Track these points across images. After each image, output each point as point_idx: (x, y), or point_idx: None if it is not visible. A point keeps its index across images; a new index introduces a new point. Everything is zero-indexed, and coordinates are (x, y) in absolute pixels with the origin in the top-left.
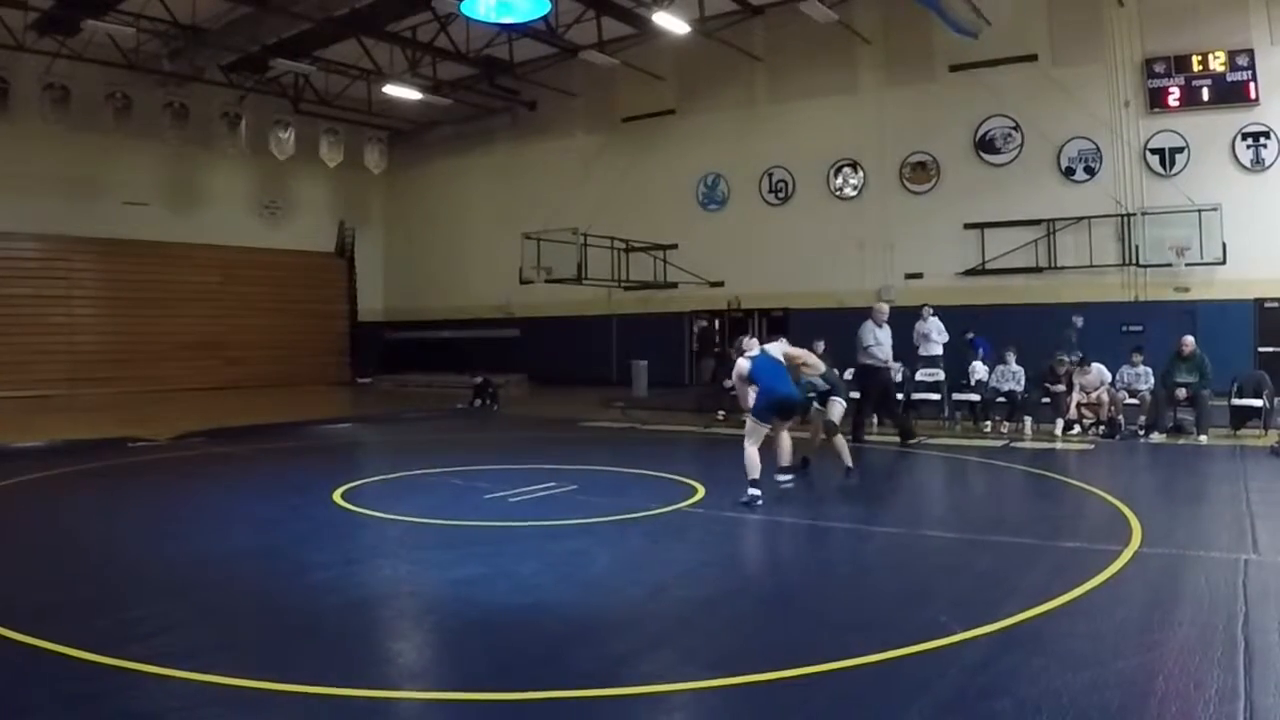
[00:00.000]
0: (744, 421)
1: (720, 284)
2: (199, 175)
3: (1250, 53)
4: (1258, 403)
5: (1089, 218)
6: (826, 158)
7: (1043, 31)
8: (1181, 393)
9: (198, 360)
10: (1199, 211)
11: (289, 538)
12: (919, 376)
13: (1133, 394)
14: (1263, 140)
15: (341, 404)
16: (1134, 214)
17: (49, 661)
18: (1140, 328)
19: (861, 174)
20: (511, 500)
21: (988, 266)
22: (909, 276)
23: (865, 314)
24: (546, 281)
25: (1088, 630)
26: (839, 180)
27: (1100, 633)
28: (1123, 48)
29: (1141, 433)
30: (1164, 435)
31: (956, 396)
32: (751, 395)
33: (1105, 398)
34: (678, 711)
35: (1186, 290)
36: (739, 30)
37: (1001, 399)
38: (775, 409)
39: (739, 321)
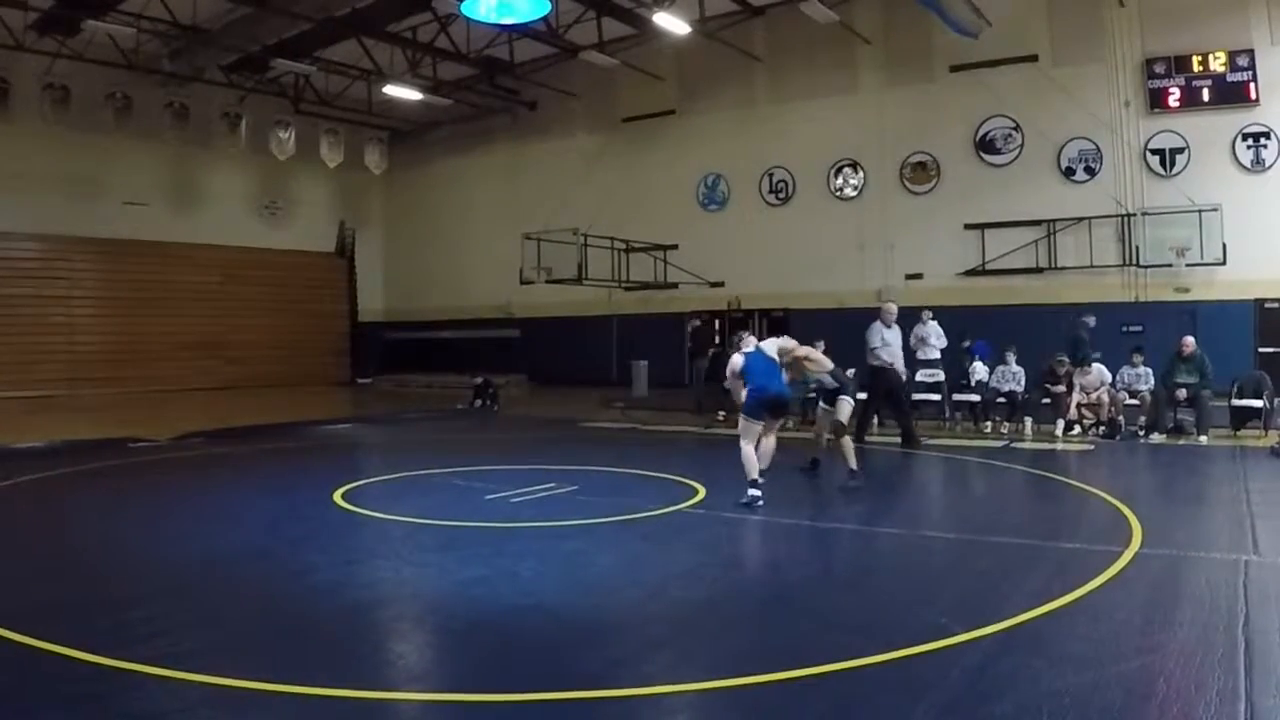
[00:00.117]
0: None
1: (720, 284)
2: (199, 175)
3: (1250, 53)
4: (1258, 403)
5: (1089, 218)
6: (827, 158)
7: (1043, 32)
8: (1182, 393)
9: (198, 360)
10: (1199, 212)
11: (289, 538)
12: (919, 377)
13: (1133, 394)
14: (1263, 141)
15: (342, 404)
16: (1134, 214)
17: (50, 662)
18: (1140, 328)
19: (862, 174)
20: (512, 501)
21: (988, 267)
22: (909, 277)
23: (865, 314)
24: (547, 282)
25: (1089, 631)
26: (839, 180)
27: (1101, 634)
28: (1123, 48)
29: (1142, 433)
30: (1164, 436)
31: (957, 397)
32: (744, 393)
33: (1105, 398)
34: (679, 713)
35: (1187, 291)
36: (739, 30)
37: (1001, 399)
38: (766, 406)
39: (739, 322)
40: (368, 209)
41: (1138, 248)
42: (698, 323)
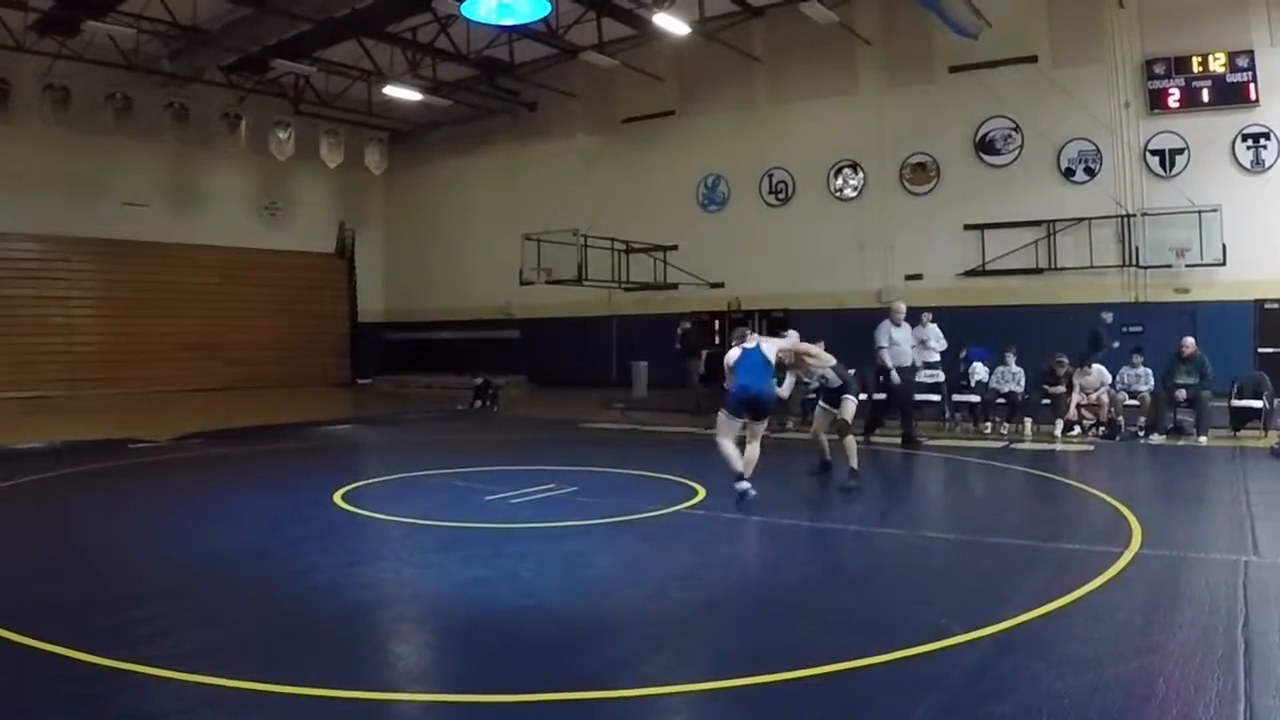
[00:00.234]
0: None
1: (720, 285)
2: (199, 176)
3: (1250, 54)
4: (1258, 404)
5: (1089, 219)
6: (827, 159)
7: (1043, 32)
8: (1181, 394)
9: (198, 361)
10: (1199, 212)
11: (289, 539)
12: (919, 378)
13: (1133, 395)
14: (1263, 141)
15: (342, 405)
16: (1134, 215)
17: (50, 663)
18: (1140, 329)
19: (861, 175)
20: (512, 502)
21: (988, 267)
22: (909, 278)
23: (865, 315)
24: (547, 283)
25: (1088, 632)
26: (839, 181)
27: (1101, 635)
28: (1123, 49)
29: (1141, 434)
30: (1164, 436)
31: (956, 398)
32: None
33: (1105, 399)
34: (679, 714)
35: (1186, 291)
36: (739, 31)
37: (1001, 400)
38: (746, 405)
39: (739, 322)
40: (368, 209)
41: (1137, 248)
42: (688, 325)
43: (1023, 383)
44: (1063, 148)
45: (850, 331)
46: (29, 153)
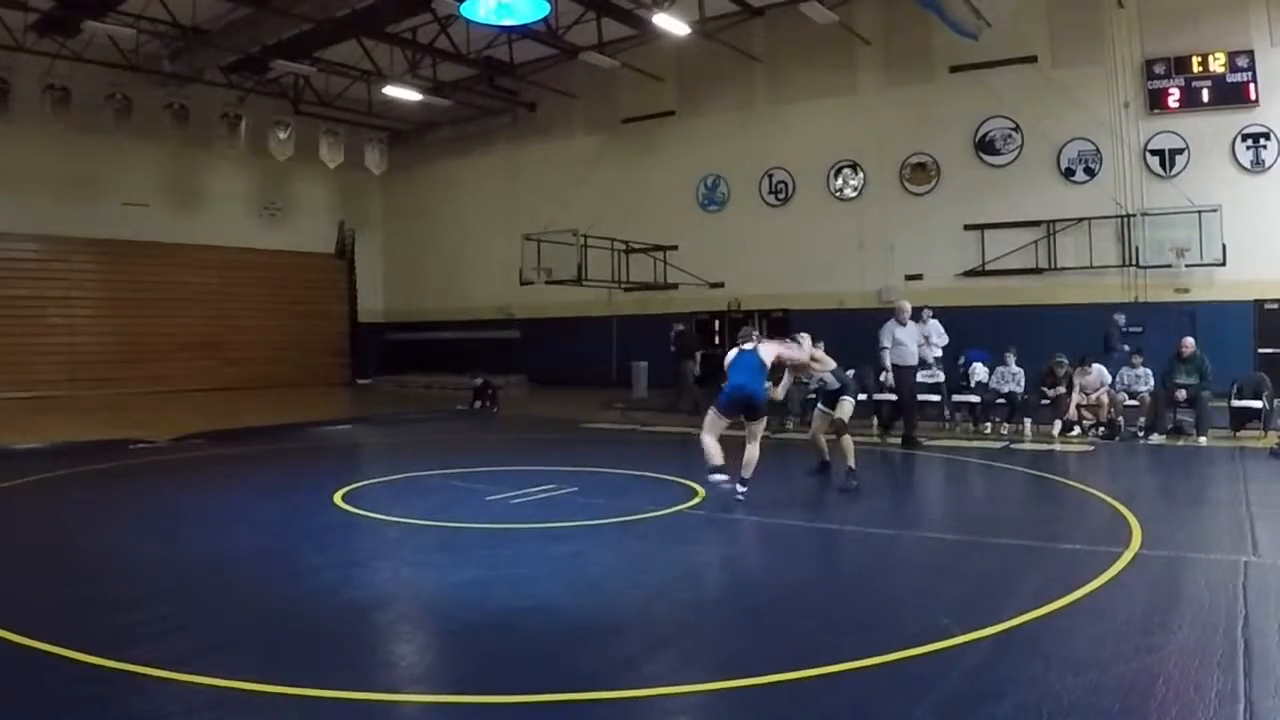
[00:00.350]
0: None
1: (720, 285)
2: (199, 176)
3: (1250, 54)
4: (1257, 404)
5: (1089, 219)
6: (826, 159)
7: (1043, 33)
8: (1181, 394)
9: (198, 361)
10: (1199, 213)
11: (290, 540)
12: (919, 378)
13: (1132, 395)
14: (1262, 141)
15: (342, 405)
16: (1134, 215)
17: (51, 664)
18: (1140, 329)
19: (861, 175)
20: (512, 502)
21: (988, 268)
22: (909, 278)
23: (864, 315)
24: (547, 283)
25: (1088, 633)
26: (839, 181)
27: (1100, 635)
28: (1122, 49)
29: (1141, 434)
30: (1164, 437)
31: (956, 398)
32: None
33: (1105, 399)
34: (679, 714)
35: (1186, 291)
36: (739, 31)
37: (1001, 400)
38: (736, 404)
39: (739, 323)
40: (367, 210)
41: (1137, 248)
42: (680, 327)
43: (1022, 383)
44: (1062, 148)
45: (850, 332)
46: (29, 153)
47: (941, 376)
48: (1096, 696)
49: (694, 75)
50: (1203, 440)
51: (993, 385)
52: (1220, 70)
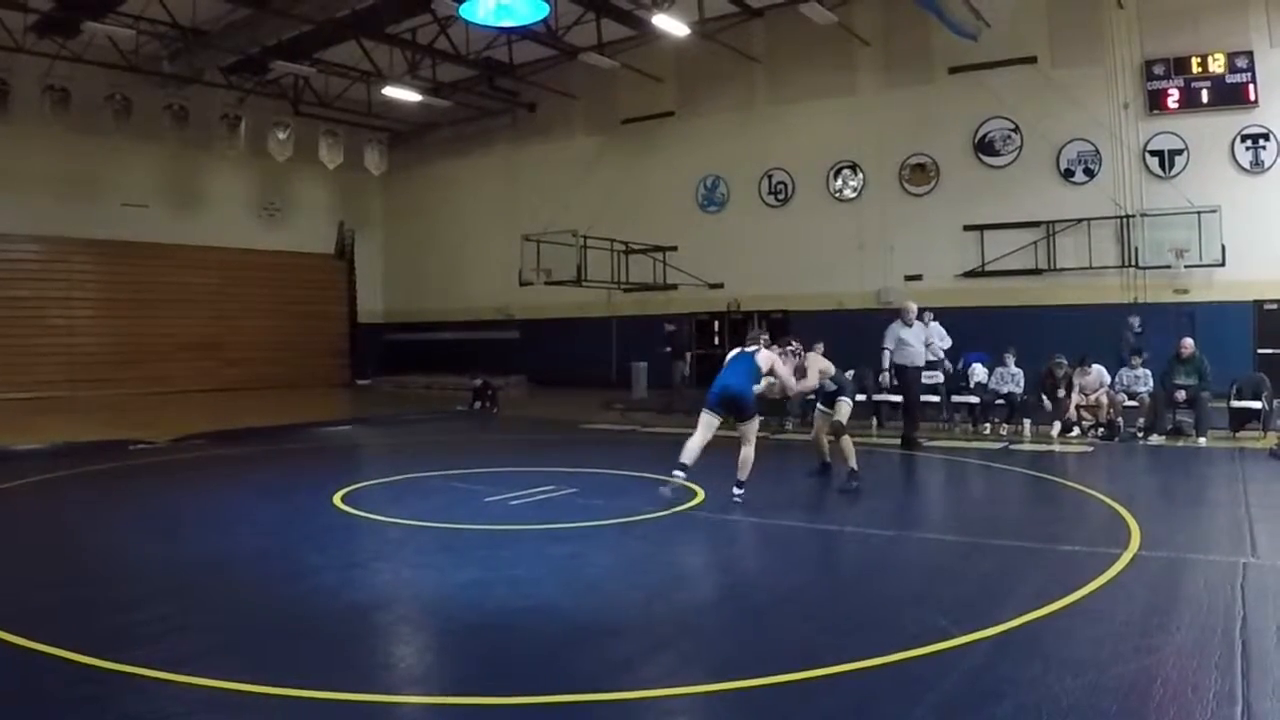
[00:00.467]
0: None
1: (720, 285)
2: (198, 177)
3: (1249, 54)
4: (1257, 405)
5: (1088, 219)
6: (826, 159)
7: (1042, 33)
8: (1180, 395)
9: (197, 362)
10: (1198, 213)
11: (289, 541)
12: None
13: (1132, 396)
14: (1262, 142)
15: (341, 406)
16: (1133, 216)
17: (50, 664)
18: (1139, 329)
19: (861, 176)
20: (511, 503)
21: (987, 268)
22: (908, 278)
23: (864, 316)
24: (546, 283)
25: (1086, 634)
26: (838, 182)
27: (1099, 636)
28: (1122, 50)
29: (1140, 435)
30: (1163, 437)
31: (956, 398)
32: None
33: (1104, 400)
34: (679, 716)
35: (1186, 292)
36: (738, 32)
37: (1000, 401)
38: (722, 402)
39: (738, 324)
40: (367, 210)
41: (1137, 249)
42: (672, 328)
43: (1021, 384)
44: (1062, 148)
45: (850, 332)
46: (29, 153)
47: (941, 377)
48: (1095, 697)
49: (693, 76)
50: (1202, 441)
51: (992, 386)
52: (1220, 71)
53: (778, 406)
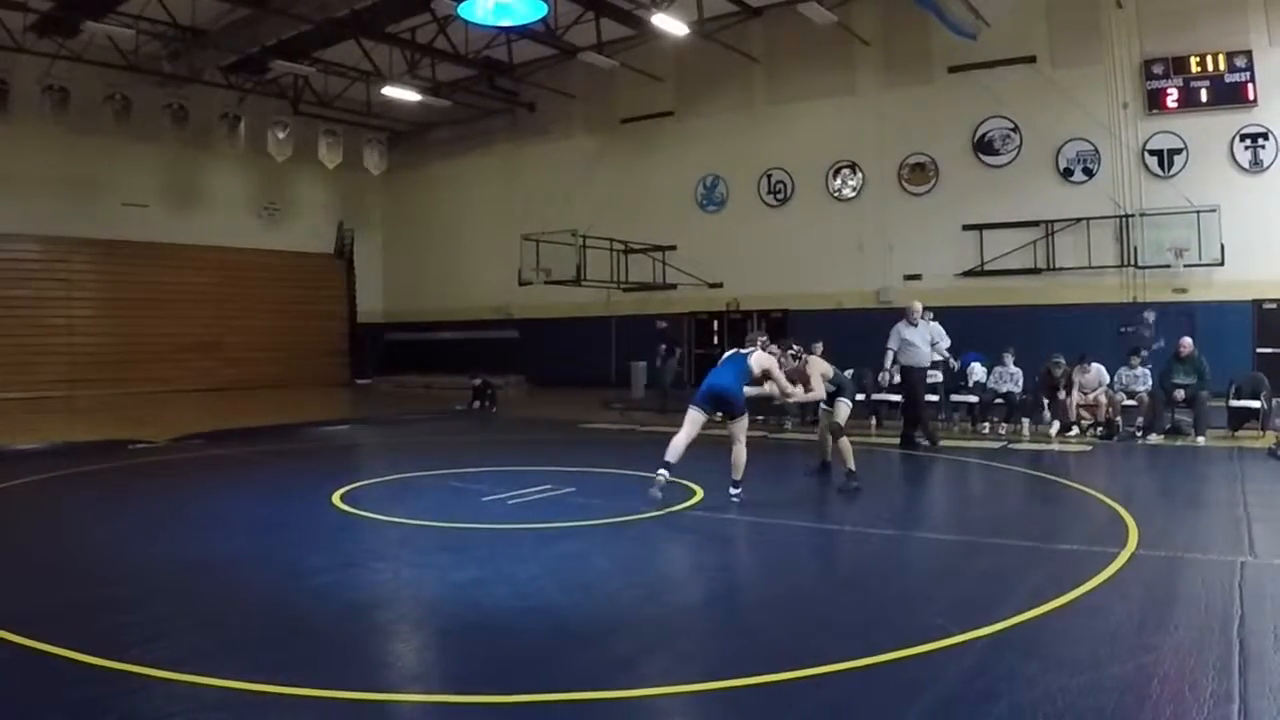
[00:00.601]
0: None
1: (719, 285)
2: (198, 177)
3: (1249, 54)
4: (1256, 404)
5: (1087, 219)
6: (825, 159)
7: (1041, 33)
8: (1179, 394)
9: (197, 361)
10: (1197, 213)
11: (288, 540)
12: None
13: (1130, 395)
14: (1261, 141)
15: (340, 405)
16: (1132, 215)
17: (50, 664)
18: (1132, 329)
19: (860, 175)
20: (510, 503)
21: (986, 268)
22: (908, 278)
23: (863, 315)
24: (545, 283)
25: (1084, 633)
26: (838, 181)
27: (1096, 635)
28: (1121, 49)
29: (1139, 434)
30: (1162, 437)
31: (955, 398)
32: None
33: (1103, 399)
34: (676, 715)
35: (1185, 291)
36: (737, 32)
37: (999, 400)
38: (709, 400)
39: (738, 323)
40: (366, 210)
41: (1136, 248)
42: (664, 325)
43: (1020, 383)
44: (1061, 148)
45: (849, 332)
46: (29, 153)
47: (940, 377)
48: (1092, 697)
49: (693, 75)
50: (1201, 440)
51: (991, 385)
52: (1219, 71)
53: (774, 406)
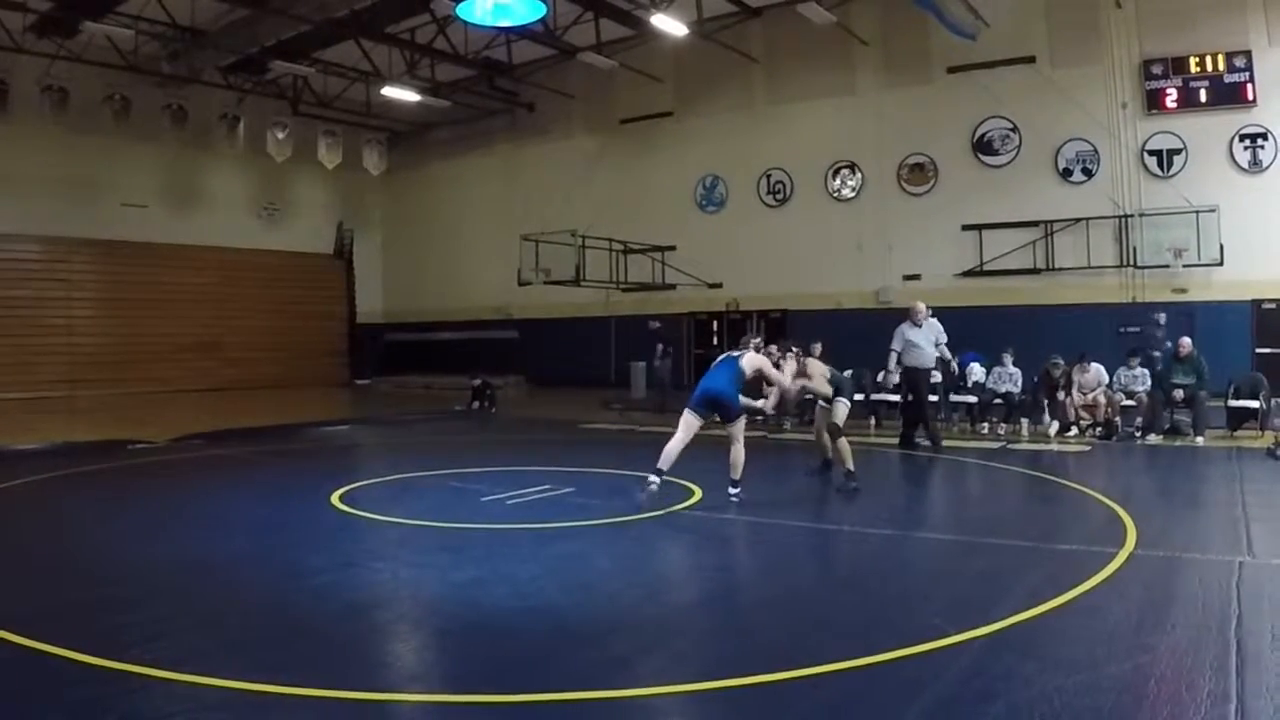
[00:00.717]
0: (746, 424)
1: (719, 285)
2: (197, 177)
3: (1248, 54)
4: (1254, 404)
5: (1087, 219)
6: (825, 159)
7: (1041, 33)
8: (1178, 394)
9: (196, 362)
10: (1196, 213)
11: (288, 540)
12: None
13: (1129, 395)
14: (1260, 141)
15: (340, 406)
16: (1132, 215)
17: (50, 664)
18: (1138, 329)
19: (860, 175)
20: (509, 503)
21: (986, 268)
22: (907, 278)
23: (863, 315)
24: (545, 283)
25: (1082, 633)
26: (837, 182)
27: (1094, 635)
28: (1120, 49)
29: (1138, 434)
30: (1161, 437)
31: (954, 398)
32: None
33: (1102, 399)
34: (674, 714)
35: (1184, 291)
36: (737, 32)
37: (998, 400)
38: (704, 402)
39: (737, 323)
40: (366, 210)
41: (1135, 249)
42: (658, 325)
43: (1020, 383)
44: (1060, 148)
45: (849, 332)
46: (28, 153)
47: (939, 377)
48: (1089, 696)
49: (692, 76)
50: (1199, 440)
51: (990, 385)
52: (1218, 71)
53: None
